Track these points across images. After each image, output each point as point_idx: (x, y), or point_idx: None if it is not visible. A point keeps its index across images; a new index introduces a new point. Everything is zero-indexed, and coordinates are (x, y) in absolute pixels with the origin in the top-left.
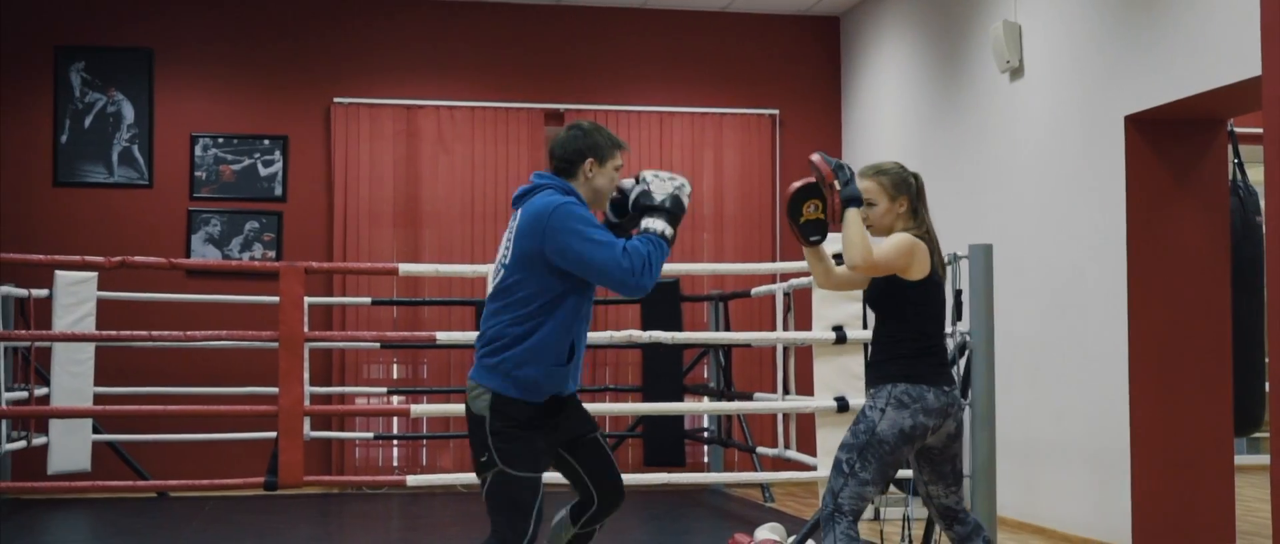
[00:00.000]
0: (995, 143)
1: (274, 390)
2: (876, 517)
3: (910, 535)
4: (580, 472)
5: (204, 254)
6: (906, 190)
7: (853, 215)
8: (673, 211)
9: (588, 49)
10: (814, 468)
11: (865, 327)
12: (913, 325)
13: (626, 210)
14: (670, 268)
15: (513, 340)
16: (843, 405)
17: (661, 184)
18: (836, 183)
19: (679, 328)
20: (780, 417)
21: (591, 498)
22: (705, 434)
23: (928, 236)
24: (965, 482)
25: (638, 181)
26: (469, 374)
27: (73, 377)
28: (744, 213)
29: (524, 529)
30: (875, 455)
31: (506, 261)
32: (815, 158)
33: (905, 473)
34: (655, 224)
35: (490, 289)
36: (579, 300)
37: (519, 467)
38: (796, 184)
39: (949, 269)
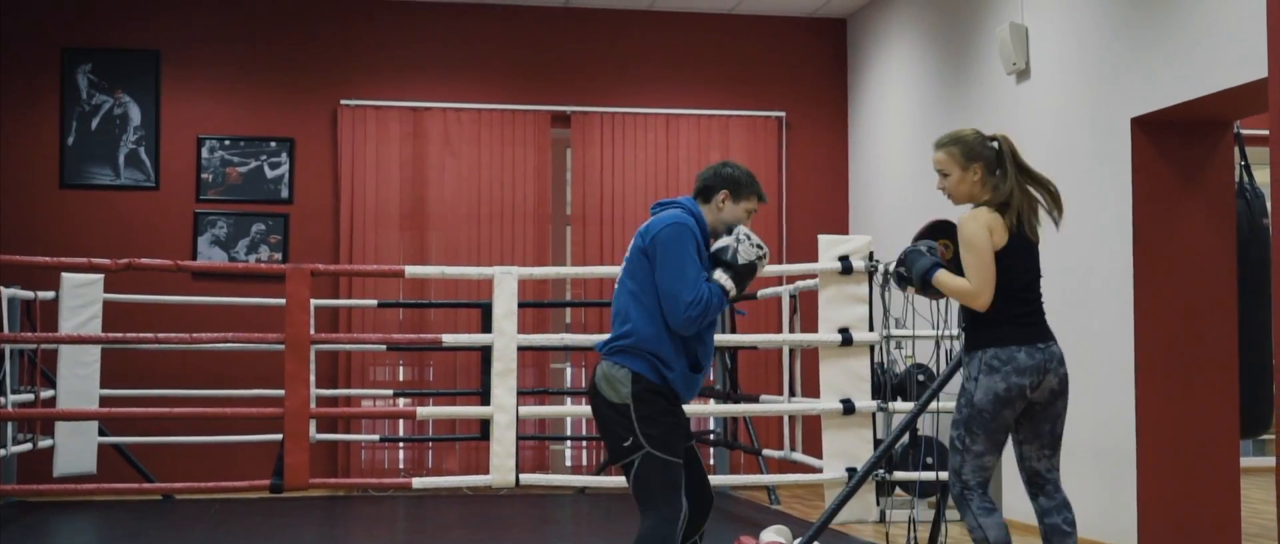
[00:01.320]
0: None
1: (280, 393)
2: (881, 518)
3: (915, 537)
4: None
5: (210, 256)
6: (979, 157)
7: (938, 281)
8: (742, 273)
9: (594, 51)
10: (820, 470)
11: (871, 329)
12: (998, 293)
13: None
14: None
15: (650, 332)
16: (849, 408)
17: (748, 247)
18: (910, 287)
19: None
20: (786, 419)
21: (687, 508)
22: (711, 436)
23: (1007, 201)
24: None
25: (729, 233)
26: (599, 365)
27: (79, 379)
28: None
29: (678, 504)
30: (980, 425)
31: (629, 260)
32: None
33: (909, 475)
34: (725, 281)
35: (618, 285)
36: None
37: (666, 450)
38: (897, 270)
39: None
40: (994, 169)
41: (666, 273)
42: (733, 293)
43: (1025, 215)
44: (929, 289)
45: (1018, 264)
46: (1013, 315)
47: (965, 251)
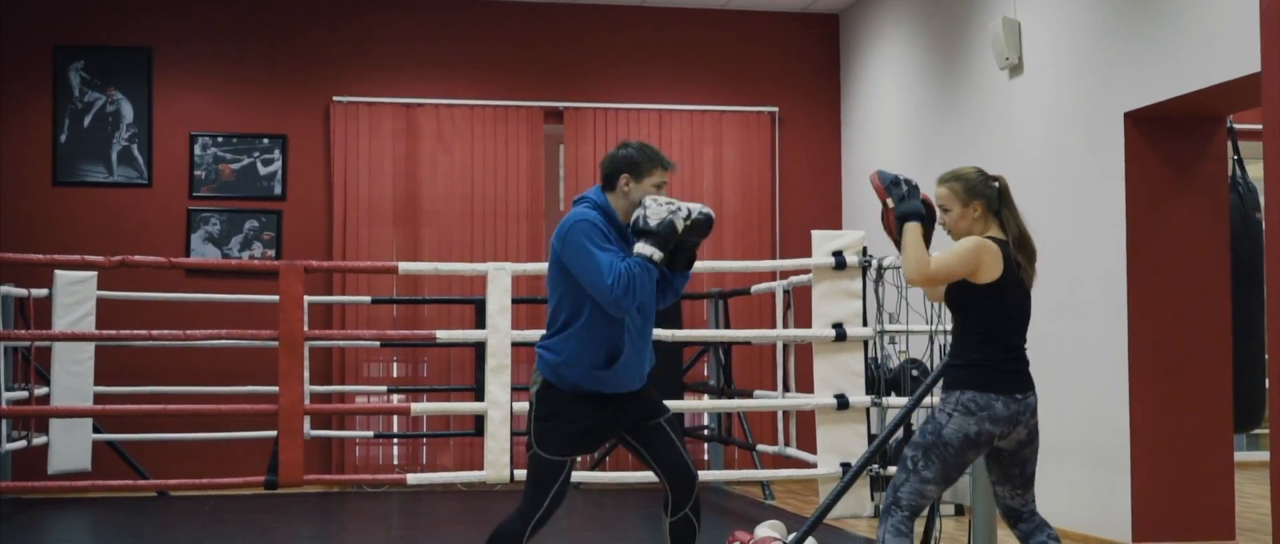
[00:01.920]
0: (995, 140)
1: (274, 389)
2: (876, 513)
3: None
4: (646, 457)
5: (203, 253)
6: (980, 195)
7: (910, 231)
8: (662, 235)
9: (587, 47)
10: (814, 465)
11: (865, 324)
12: (982, 329)
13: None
14: None
15: (555, 338)
16: (842, 403)
17: (656, 209)
18: (890, 200)
19: (679, 325)
20: (780, 414)
21: (665, 487)
22: (705, 432)
23: (1008, 241)
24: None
25: (640, 206)
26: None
27: (73, 376)
28: (744, 210)
29: (539, 503)
30: (938, 457)
31: (549, 268)
32: (872, 177)
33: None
34: (644, 248)
35: None
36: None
37: (550, 450)
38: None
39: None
40: (995, 208)
41: (579, 270)
42: (658, 257)
43: (1025, 256)
44: (898, 226)
45: (1009, 303)
46: (998, 361)
47: (950, 252)
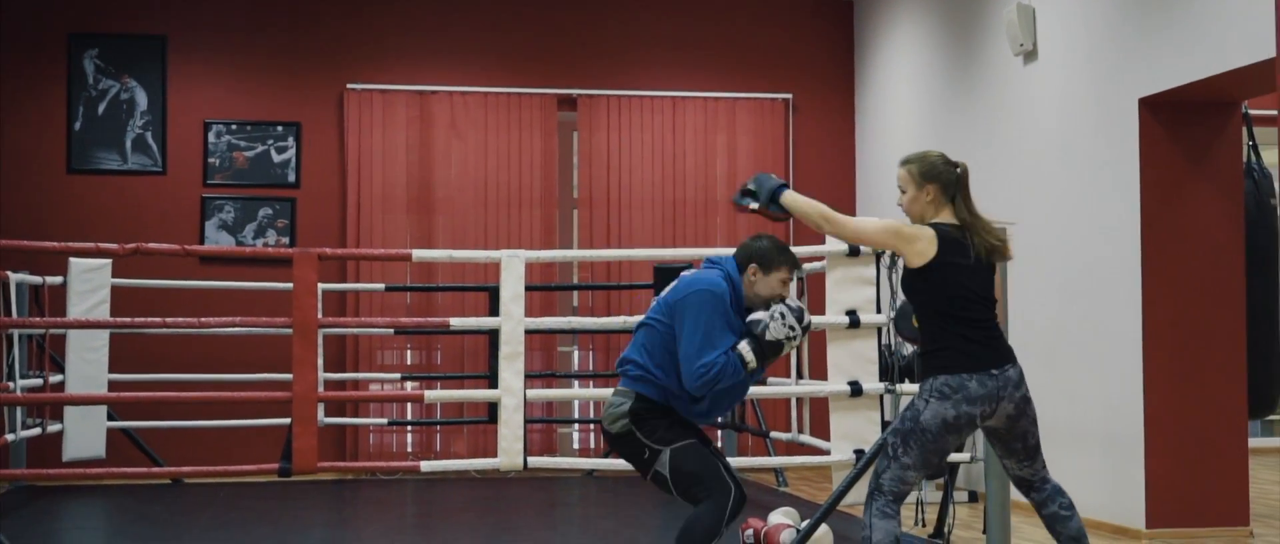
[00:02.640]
0: (1009, 126)
1: (288, 377)
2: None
3: (923, 518)
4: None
5: (217, 241)
6: (935, 178)
7: (787, 200)
8: (766, 350)
9: (601, 34)
10: (827, 452)
11: (878, 310)
12: (936, 312)
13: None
14: (682, 253)
15: (660, 368)
16: (856, 390)
17: (777, 326)
18: (754, 204)
19: None
20: (794, 401)
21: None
22: (718, 419)
23: (961, 225)
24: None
25: (767, 308)
26: (612, 395)
27: (87, 363)
28: None
29: (719, 486)
30: (917, 443)
31: (658, 301)
32: (734, 202)
33: None
34: (747, 352)
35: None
36: None
37: (680, 439)
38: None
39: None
40: (951, 194)
41: (686, 334)
42: (753, 366)
43: (982, 236)
44: (776, 206)
45: (949, 283)
46: (959, 340)
47: (875, 223)
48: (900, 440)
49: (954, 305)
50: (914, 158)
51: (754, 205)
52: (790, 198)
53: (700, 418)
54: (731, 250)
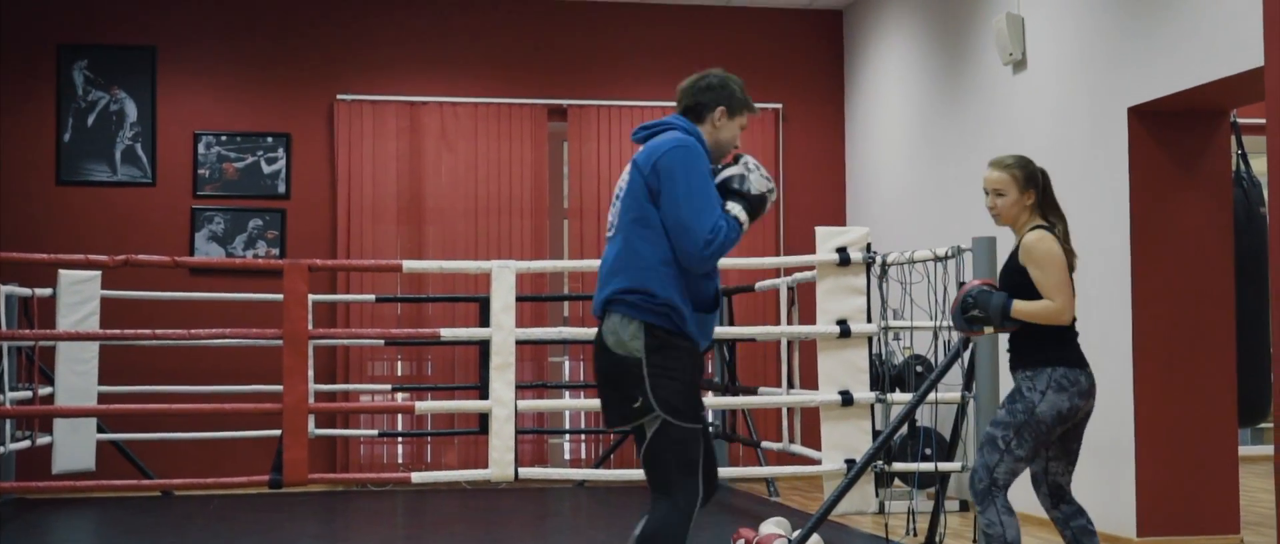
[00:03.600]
0: (998, 135)
1: (278, 388)
2: (880, 509)
3: (914, 528)
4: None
5: (207, 252)
6: (1033, 184)
7: (1018, 309)
8: (756, 206)
9: (591, 44)
10: (819, 462)
11: (869, 320)
12: None
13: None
14: None
15: (653, 278)
16: (847, 399)
17: (760, 179)
18: (989, 328)
19: None
20: (785, 411)
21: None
22: (710, 429)
23: (1058, 230)
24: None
25: (737, 162)
26: (604, 320)
27: (77, 376)
28: None
29: (694, 486)
30: (1032, 433)
31: (621, 195)
32: (955, 326)
33: (908, 466)
34: (737, 210)
35: (610, 230)
36: None
37: (683, 418)
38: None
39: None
40: (1042, 198)
41: (680, 202)
42: (746, 223)
43: (1067, 243)
44: (1010, 321)
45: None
46: (1074, 338)
47: (1042, 271)
48: (1014, 434)
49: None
50: (1011, 162)
51: (989, 330)
52: (1021, 308)
53: (711, 326)
54: (722, 259)
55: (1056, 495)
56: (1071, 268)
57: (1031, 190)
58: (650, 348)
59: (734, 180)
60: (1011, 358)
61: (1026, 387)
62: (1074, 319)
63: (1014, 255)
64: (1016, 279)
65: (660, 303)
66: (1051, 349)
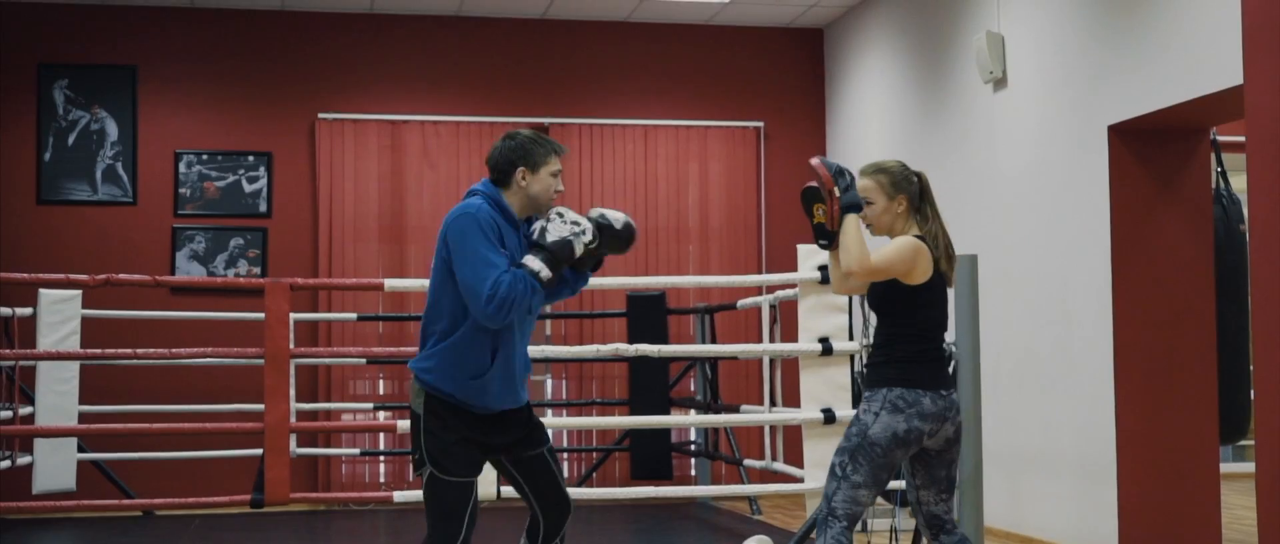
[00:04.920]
0: (979, 153)
1: (260, 407)
2: (863, 528)
3: None
4: (525, 486)
5: (189, 271)
6: (906, 189)
7: (851, 221)
8: (554, 253)
9: (573, 63)
10: (801, 480)
11: (851, 338)
12: (912, 329)
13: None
14: (656, 281)
15: (433, 349)
16: (830, 417)
17: (558, 226)
18: (836, 189)
19: (665, 340)
20: (767, 429)
21: (536, 514)
22: (692, 447)
23: (932, 238)
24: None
25: (547, 217)
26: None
27: (57, 395)
28: (729, 225)
29: (453, 534)
30: (867, 458)
31: (434, 260)
32: (814, 163)
33: (897, 483)
34: (534, 263)
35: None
36: None
37: (452, 472)
38: (807, 185)
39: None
40: (917, 204)
41: (462, 267)
42: (545, 275)
43: (947, 256)
44: (841, 215)
45: (936, 301)
46: (923, 356)
47: (890, 247)
48: (849, 459)
49: (935, 326)
50: (878, 167)
51: (837, 191)
52: (851, 223)
53: (502, 390)
54: (704, 277)
55: (934, 526)
56: (946, 283)
57: (902, 196)
58: (428, 407)
59: (535, 233)
60: (864, 381)
61: (863, 408)
62: (942, 339)
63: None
64: (886, 290)
65: (439, 368)
66: (889, 370)
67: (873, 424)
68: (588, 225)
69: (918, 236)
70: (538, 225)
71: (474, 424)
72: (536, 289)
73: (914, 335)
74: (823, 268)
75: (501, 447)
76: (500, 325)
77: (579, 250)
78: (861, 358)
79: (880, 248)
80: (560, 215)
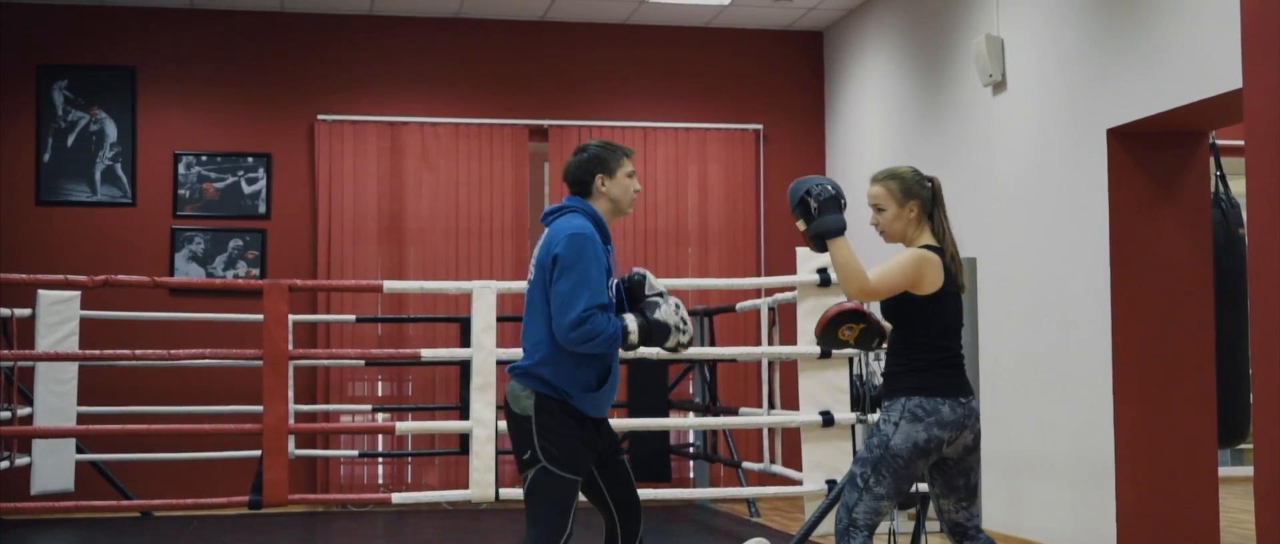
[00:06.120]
0: (978, 156)
1: (258, 409)
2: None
3: None
4: (605, 493)
5: (187, 272)
6: (916, 195)
7: (835, 248)
8: (650, 329)
9: (572, 65)
10: (799, 482)
11: None
12: (926, 336)
13: (630, 292)
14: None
15: (548, 357)
16: (828, 420)
17: (668, 312)
18: (800, 224)
19: None
20: (765, 431)
21: (614, 522)
22: (691, 449)
23: (942, 245)
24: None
25: (653, 287)
26: (510, 381)
27: (56, 396)
28: (728, 228)
29: (562, 527)
30: (889, 470)
31: (531, 277)
32: (789, 199)
33: None
34: (630, 323)
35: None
36: None
37: (564, 466)
38: (833, 318)
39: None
40: (929, 211)
41: (566, 280)
42: (632, 340)
43: (957, 262)
44: (818, 243)
45: (951, 312)
46: (940, 365)
47: (892, 261)
48: (871, 469)
49: (949, 334)
50: (889, 174)
51: (801, 226)
52: (837, 246)
53: (604, 401)
54: (703, 280)
55: (957, 533)
56: (960, 289)
57: (913, 202)
58: (539, 406)
59: (646, 304)
60: (882, 391)
61: (883, 419)
62: (959, 346)
63: None
64: (898, 301)
65: (550, 377)
66: (908, 379)
67: (894, 435)
68: (691, 331)
69: (927, 247)
70: (654, 292)
71: (583, 426)
72: (618, 344)
73: (929, 343)
74: (822, 271)
75: (597, 450)
76: (571, 349)
77: (670, 344)
78: (860, 361)
79: (880, 266)
80: (678, 307)
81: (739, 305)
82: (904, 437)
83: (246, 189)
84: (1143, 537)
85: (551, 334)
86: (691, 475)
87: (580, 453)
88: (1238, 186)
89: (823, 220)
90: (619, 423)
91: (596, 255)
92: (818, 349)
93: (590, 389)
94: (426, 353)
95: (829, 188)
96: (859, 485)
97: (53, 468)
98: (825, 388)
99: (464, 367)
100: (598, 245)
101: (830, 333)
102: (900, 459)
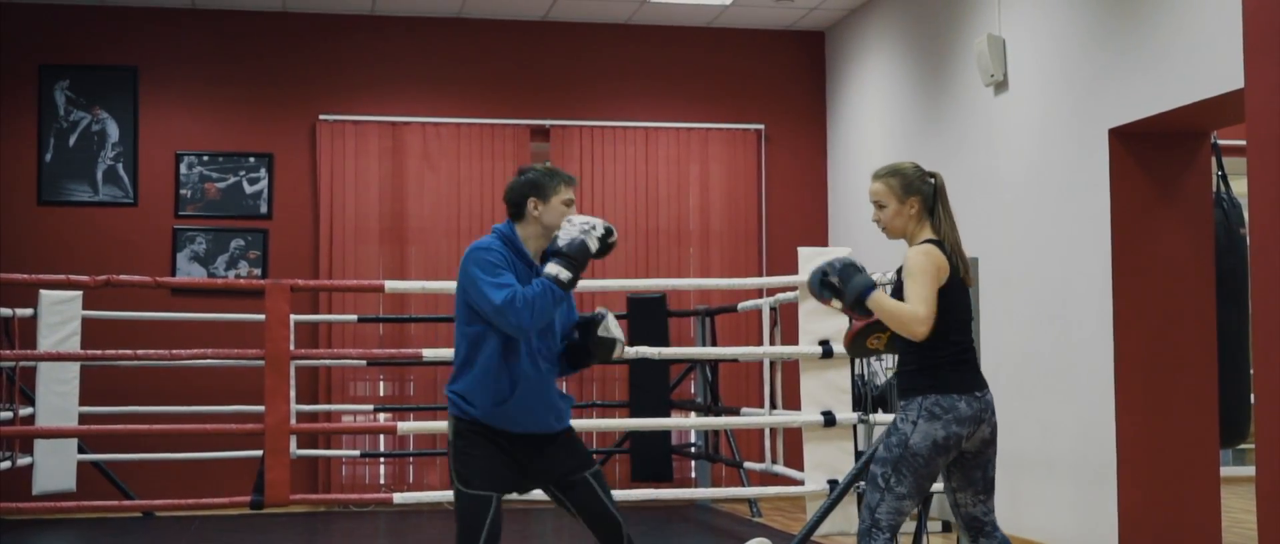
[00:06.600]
0: (980, 156)
1: (260, 409)
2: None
3: None
4: (571, 510)
5: (189, 272)
6: (918, 191)
7: (876, 302)
8: (571, 256)
9: (574, 65)
10: (801, 483)
11: None
12: (938, 333)
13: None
14: (656, 283)
15: (460, 372)
16: (830, 420)
17: (569, 230)
18: (836, 304)
19: (665, 343)
20: (767, 431)
21: (597, 536)
22: (692, 449)
23: (945, 241)
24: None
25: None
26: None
27: (58, 396)
28: (730, 228)
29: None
30: (909, 469)
31: (456, 297)
32: (809, 289)
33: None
34: (551, 269)
35: None
36: (507, 338)
37: (472, 485)
38: (852, 334)
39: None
40: (931, 206)
41: (474, 297)
42: (564, 277)
43: (960, 256)
44: (861, 308)
45: (957, 305)
46: (954, 361)
47: (911, 280)
48: (892, 470)
49: (957, 327)
50: (891, 170)
51: (837, 304)
52: (879, 301)
53: (523, 411)
54: (705, 280)
55: (973, 528)
56: (965, 282)
57: (914, 198)
58: (456, 430)
59: (553, 242)
60: (897, 390)
61: (900, 418)
62: (970, 340)
63: (901, 270)
64: (903, 296)
65: (458, 395)
66: (922, 377)
67: (912, 434)
68: (597, 222)
69: (929, 241)
70: (555, 236)
71: (507, 446)
72: (554, 292)
73: (941, 339)
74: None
75: (542, 471)
76: (533, 329)
77: (594, 247)
78: (862, 361)
79: (907, 294)
80: (567, 222)
81: (741, 305)
82: (923, 435)
83: (248, 189)
84: (1144, 536)
85: (467, 349)
86: (693, 475)
87: (490, 470)
88: (1239, 186)
89: (852, 285)
90: (620, 423)
91: (495, 258)
92: (819, 349)
93: (502, 401)
94: (428, 353)
95: (838, 261)
96: (880, 486)
97: (54, 468)
98: (827, 388)
99: None
100: (498, 252)
101: (859, 343)
102: (920, 458)
